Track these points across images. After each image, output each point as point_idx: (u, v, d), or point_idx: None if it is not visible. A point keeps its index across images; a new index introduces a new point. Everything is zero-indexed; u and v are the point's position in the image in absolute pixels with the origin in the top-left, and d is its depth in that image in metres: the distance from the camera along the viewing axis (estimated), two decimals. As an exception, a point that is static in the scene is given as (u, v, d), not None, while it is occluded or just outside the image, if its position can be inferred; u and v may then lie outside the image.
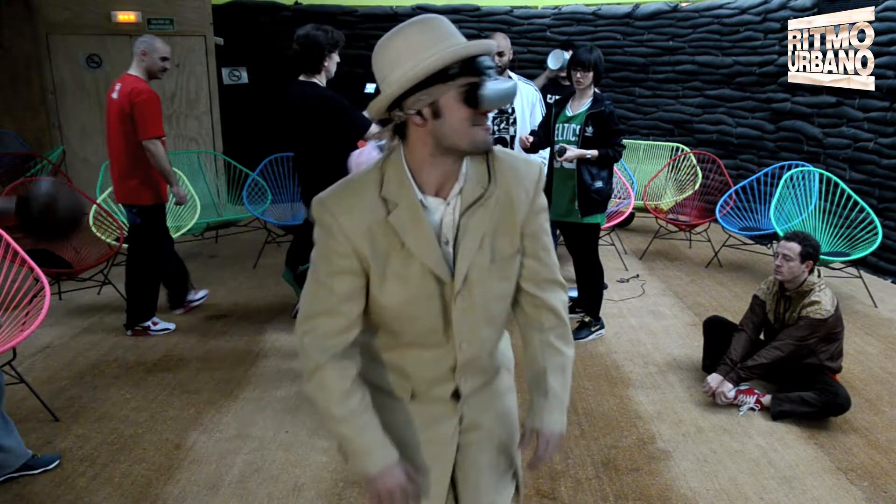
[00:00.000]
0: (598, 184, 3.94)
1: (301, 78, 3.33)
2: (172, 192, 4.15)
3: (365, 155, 3.01)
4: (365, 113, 3.39)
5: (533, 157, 3.16)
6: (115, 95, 3.89)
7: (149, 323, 4.20)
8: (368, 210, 1.34)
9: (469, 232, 1.37)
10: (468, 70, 1.26)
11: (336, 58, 3.33)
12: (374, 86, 3.61)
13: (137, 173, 3.91)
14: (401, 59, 1.28)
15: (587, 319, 4.22)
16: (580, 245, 4.20)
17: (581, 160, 3.90)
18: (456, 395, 1.50)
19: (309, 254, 1.46)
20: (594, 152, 3.86)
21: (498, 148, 1.45)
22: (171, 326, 4.27)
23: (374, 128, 3.25)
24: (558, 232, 5.55)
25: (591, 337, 4.17)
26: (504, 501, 1.63)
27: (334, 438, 1.81)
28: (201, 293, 4.69)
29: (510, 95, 1.30)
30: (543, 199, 1.47)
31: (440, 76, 1.25)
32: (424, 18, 1.31)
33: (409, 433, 1.51)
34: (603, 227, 4.43)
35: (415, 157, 1.34)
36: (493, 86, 1.27)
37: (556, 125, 4.00)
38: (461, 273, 1.38)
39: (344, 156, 3.35)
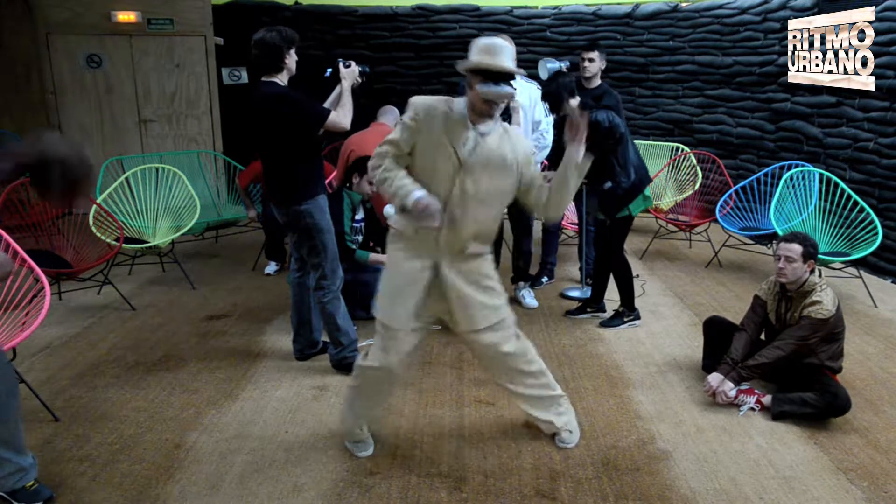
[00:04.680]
0: (607, 185, 4.05)
1: (263, 78, 3.43)
2: None
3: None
4: (326, 104, 3.45)
5: (528, 141, 4.03)
6: None
7: None
8: (439, 115, 2.53)
9: (479, 148, 2.54)
10: (487, 74, 2.47)
11: (294, 55, 3.44)
12: (330, 70, 3.66)
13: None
14: (473, 54, 2.53)
15: (620, 309, 4.38)
16: (609, 238, 4.30)
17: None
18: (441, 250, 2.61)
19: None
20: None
21: (512, 127, 2.68)
22: None
23: (333, 115, 3.34)
24: (560, 232, 5.56)
25: (622, 326, 4.33)
26: (495, 314, 2.70)
27: (394, 191, 2.52)
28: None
29: (500, 96, 2.46)
30: (531, 158, 2.68)
31: (476, 71, 2.48)
32: (493, 41, 2.52)
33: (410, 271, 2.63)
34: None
35: (468, 103, 2.55)
36: (486, 87, 2.45)
37: None
38: (467, 164, 2.52)
39: (306, 152, 3.42)
